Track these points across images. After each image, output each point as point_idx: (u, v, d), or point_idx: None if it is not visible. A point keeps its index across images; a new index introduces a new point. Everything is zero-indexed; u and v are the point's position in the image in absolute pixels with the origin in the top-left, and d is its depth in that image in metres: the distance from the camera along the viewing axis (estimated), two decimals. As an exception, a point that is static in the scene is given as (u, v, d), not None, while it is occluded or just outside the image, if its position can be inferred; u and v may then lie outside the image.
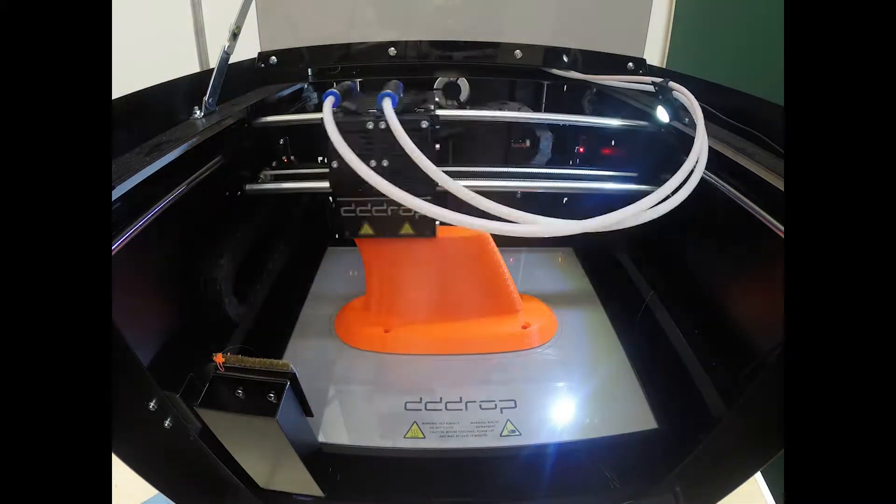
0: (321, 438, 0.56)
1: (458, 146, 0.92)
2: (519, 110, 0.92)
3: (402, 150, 0.52)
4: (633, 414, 0.60)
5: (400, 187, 0.48)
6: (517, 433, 0.57)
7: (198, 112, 0.61)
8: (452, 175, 0.49)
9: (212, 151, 0.59)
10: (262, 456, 0.49)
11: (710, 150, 0.55)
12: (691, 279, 0.68)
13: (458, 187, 0.48)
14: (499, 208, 0.45)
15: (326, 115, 0.53)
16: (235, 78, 0.70)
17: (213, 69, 0.63)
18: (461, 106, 0.91)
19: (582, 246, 0.96)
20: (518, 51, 0.74)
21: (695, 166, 0.52)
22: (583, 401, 0.62)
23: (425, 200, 0.47)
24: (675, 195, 0.49)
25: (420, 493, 0.56)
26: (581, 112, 0.94)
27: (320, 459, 0.54)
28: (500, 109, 0.90)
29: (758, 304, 0.55)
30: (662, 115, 0.69)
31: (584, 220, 0.46)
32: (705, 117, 0.58)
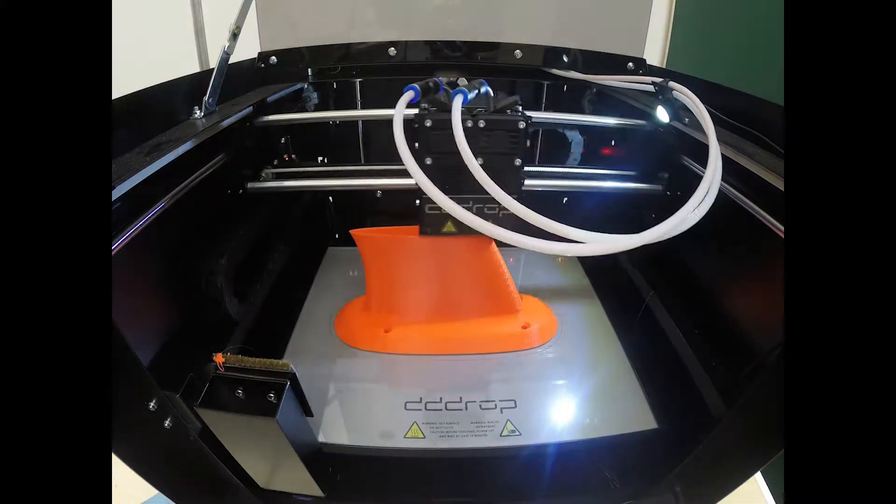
0: (321, 438, 0.56)
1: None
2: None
3: (497, 149, 0.54)
4: (633, 414, 0.60)
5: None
6: (517, 433, 0.57)
7: (198, 112, 0.61)
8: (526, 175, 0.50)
9: (212, 151, 0.59)
10: (262, 456, 0.49)
11: (708, 147, 0.55)
12: (691, 279, 0.68)
13: (515, 204, 0.48)
14: (561, 228, 0.45)
15: (398, 113, 0.54)
16: (235, 78, 0.70)
17: (213, 69, 0.63)
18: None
19: None
20: (518, 51, 0.74)
21: (715, 168, 0.52)
22: (583, 401, 0.62)
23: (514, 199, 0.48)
24: (707, 197, 0.50)
25: (420, 493, 0.56)
26: (581, 112, 0.94)
27: (320, 459, 0.54)
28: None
29: (758, 304, 0.55)
30: (662, 114, 0.69)
31: (641, 234, 0.46)
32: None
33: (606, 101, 0.88)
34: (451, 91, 0.57)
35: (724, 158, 0.54)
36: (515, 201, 0.48)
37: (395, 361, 0.68)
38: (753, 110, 0.61)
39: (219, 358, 0.43)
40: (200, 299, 0.59)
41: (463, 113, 0.55)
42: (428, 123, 0.56)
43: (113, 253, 0.39)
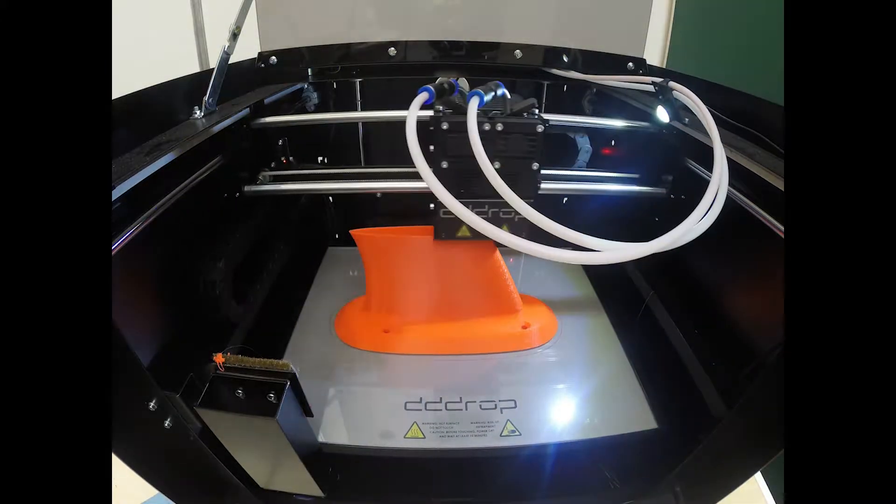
0: (321, 438, 0.56)
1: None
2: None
3: (514, 152, 0.53)
4: (633, 414, 0.60)
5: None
6: (517, 433, 0.57)
7: (198, 112, 0.61)
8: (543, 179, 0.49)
9: (211, 152, 0.59)
10: (262, 456, 0.49)
11: (712, 151, 0.55)
12: (691, 279, 0.68)
13: (529, 210, 0.48)
14: (574, 235, 0.45)
15: (411, 115, 0.53)
16: (235, 78, 0.70)
17: (213, 69, 0.63)
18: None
19: None
20: (518, 51, 0.74)
21: (721, 173, 0.52)
22: (583, 401, 0.62)
23: (529, 205, 0.48)
24: (714, 205, 0.50)
25: (420, 493, 0.56)
26: (581, 112, 0.94)
27: (320, 459, 0.54)
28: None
29: (758, 304, 0.55)
30: (662, 115, 0.69)
31: (651, 242, 0.46)
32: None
33: (606, 101, 0.88)
34: (466, 93, 0.57)
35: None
36: (531, 208, 0.48)
37: (395, 361, 0.68)
38: (753, 110, 0.61)
39: (219, 358, 0.43)
40: (200, 299, 0.59)
41: (479, 115, 0.54)
42: (445, 126, 0.55)
43: (113, 253, 0.39)
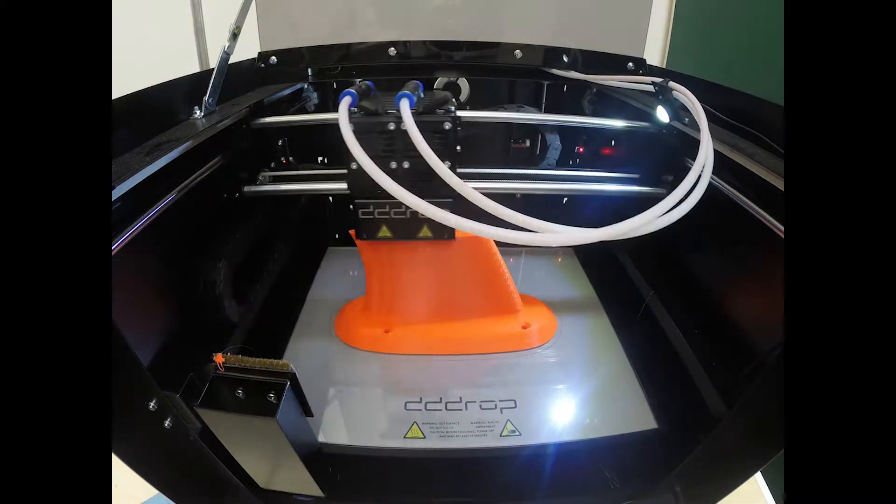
0: (321, 438, 0.56)
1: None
2: (518, 110, 0.92)
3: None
4: (633, 414, 0.60)
5: (420, 190, 0.47)
6: (517, 433, 0.57)
7: (198, 112, 0.61)
8: (461, 178, 0.48)
9: (211, 152, 0.59)
10: (262, 456, 0.49)
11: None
12: (691, 279, 0.68)
13: (475, 194, 0.47)
14: (515, 216, 0.45)
15: (342, 115, 0.53)
16: (235, 78, 0.70)
17: (213, 69, 0.63)
18: (461, 106, 0.91)
19: (581, 246, 0.96)
20: (518, 51, 0.74)
21: (702, 171, 0.52)
22: (583, 401, 0.62)
23: (445, 204, 0.47)
24: (686, 201, 0.49)
25: (420, 493, 0.56)
26: (581, 112, 0.94)
27: (320, 459, 0.54)
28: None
29: (758, 304, 0.55)
30: (662, 115, 0.69)
31: (600, 229, 0.45)
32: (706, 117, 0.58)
33: (606, 101, 0.88)
34: (380, 95, 0.58)
35: (725, 158, 0.54)
36: (469, 187, 0.46)
37: (395, 361, 0.68)
38: (753, 110, 0.61)
39: (219, 358, 0.43)
40: (200, 299, 0.59)
41: (386, 116, 0.55)
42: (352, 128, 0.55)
43: (113, 253, 0.39)
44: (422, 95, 0.59)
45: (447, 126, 0.56)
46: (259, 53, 0.72)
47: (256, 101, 0.70)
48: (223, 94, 0.64)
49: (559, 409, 0.61)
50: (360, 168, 0.50)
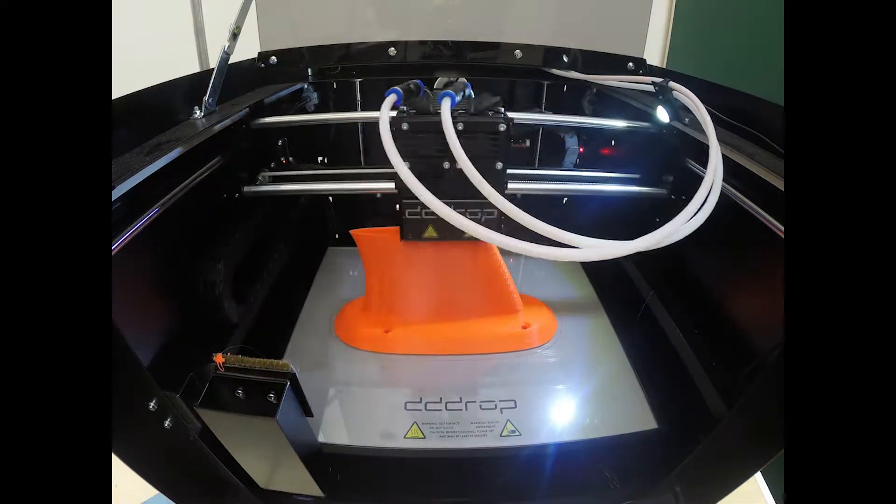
0: (321, 438, 0.56)
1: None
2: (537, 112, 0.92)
3: (477, 152, 0.52)
4: (633, 414, 0.60)
5: (473, 192, 0.48)
6: (517, 433, 0.57)
7: (198, 112, 0.61)
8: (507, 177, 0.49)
9: (211, 152, 0.59)
10: (262, 456, 0.49)
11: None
12: (691, 279, 0.68)
13: (508, 206, 0.47)
14: (554, 231, 0.45)
15: (383, 115, 0.52)
16: (235, 78, 0.70)
17: (213, 69, 0.63)
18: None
19: None
20: (518, 51, 0.74)
21: (715, 173, 0.52)
22: (583, 401, 0.62)
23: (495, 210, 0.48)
24: (706, 203, 0.49)
25: (420, 493, 0.56)
26: (581, 112, 0.94)
27: (320, 459, 0.54)
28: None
29: (758, 305, 0.55)
30: (663, 115, 0.69)
31: (639, 240, 0.46)
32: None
33: (606, 101, 0.88)
34: (431, 94, 0.57)
35: (725, 158, 0.54)
36: (509, 203, 0.47)
37: (395, 361, 0.68)
38: (753, 110, 0.61)
39: (219, 358, 0.43)
40: (200, 299, 0.59)
41: (439, 114, 0.54)
42: (405, 127, 0.55)
43: (113, 253, 0.39)
44: (473, 96, 0.59)
45: (502, 128, 0.56)
46: (259, 53, 0.72)
47: (256, 101, 0.70)
48: (223, 94, 0.64)
49: (559, 409, 0.61)
50: (413, 168, 0.50)
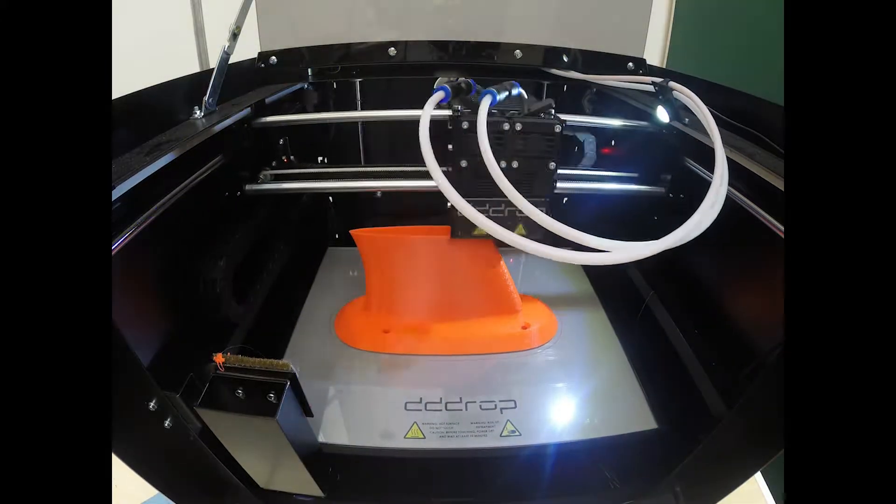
0: (321, 438, 0.56)
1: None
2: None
3: (532, 152, 0.54)
4: (633, 414, 0.60)
5: (525, 191, 0.49)
6: (517, 433, 0.57)
7: (198, 112, 0.61)
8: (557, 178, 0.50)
9: (212, 151, 0.59)
10: (262, 456, 0.49)
11: (711, 150, 0.55)
12: (691, 279, 0.68)
13: (538, 213, 0.48)
14: (585, 237, 0.46)
15: (425, 113, 0.53)
16: (235, 78, 0.70)
17: (213, 69, 0.63)
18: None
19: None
20: (518, 51, 0.74)
21: (723, 171, 0.52)
22: (583, 401, 0.62)
23: (541, 204, 0.49)
24: (717, 199, 0.50)
25: (420, 493, 0.56)
26: (581, 112, 0.94)
27: (320, 459, 0.54)
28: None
29: (758, 305, 0.55)
30: (662, 115, 0.69)
31: (662, 240, 0.47)
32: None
33: (606, 101, 0.88)
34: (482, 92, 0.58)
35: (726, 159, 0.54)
36: (537, 209, 0.48)
37: (395, 362, 0.68)
38: (753, 110, 0.61)
39: (219, 358, 0.43)
40: (200, 299, 0.59)
41: (497, 115, 0.55)
42: (465, 126, 0.55)
43: (113, 253, 0.39)
44: (525, 97, 0.60)
45: (557, 129, 0.57)
46: (259, 53, 0.72)
47: (258, 101, 0.70)
48: (223, 94, 0.64)
49: (559, 409, 0.61)
50: (469, 167, 0.50)
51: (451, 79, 0.67)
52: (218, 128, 0.59)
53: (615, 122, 0.75)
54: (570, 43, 0.75)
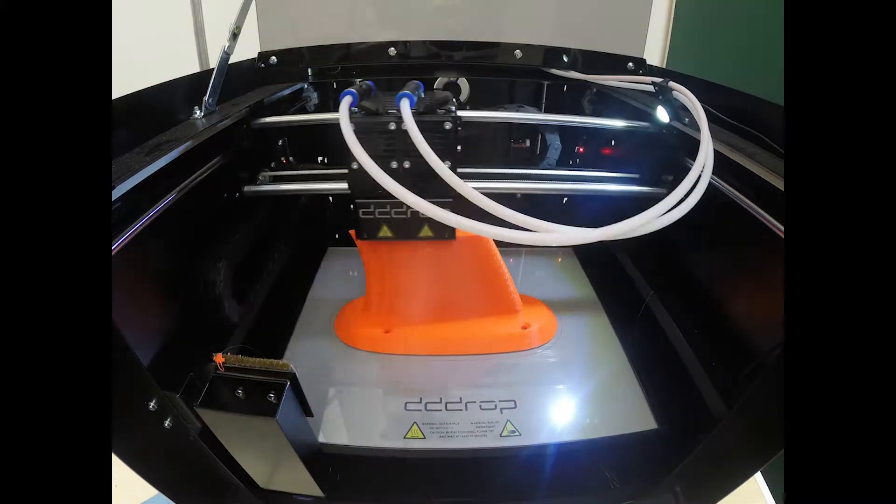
0: (321, 438, 0.56)
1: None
2: (518, 110, 0.92)
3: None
4: (633, 414, 0.60)
5: (421, 190, 0.47)
6: (517, 433, 0.57)
7: (198, 112, 0.61)
8: (461, 178, 0.48)
9: (211, 152, 0.59)
10: (262, 456, 0.49)
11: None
12: (691, 279, 0.68)
13: (475, 193, 0.47)
14: (515, 215, 0.45)
15: (343, 114, 0.53)
16: (235, 78, 0.70)
17: (213, 69, 0.63)
18: (461, 106, 0.92)
19: (581, 246, 0.96)
20: (518, 51, 0.74)
21: (701, 171, 0.52)
22: (583, 401, 0.62)
23: (445, 203, 0.47)
24: (686, 201, 0.49)
25: (420, 493, 0.56)
26: (581, 112, 0.94)
27: (320, 459, 0.54)
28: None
29: (758, 304, 0.55)
30: (662, 115, 0.69)
31: (599, 229, 0.46)
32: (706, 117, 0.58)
33: (606, 101, 0.88)
34: (381, 94, 0.58)
35: (725, 158, 0.54)
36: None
37: (395, 362, 0.68)
38: (753, 110, 0.61)
39: (219, 358, 0.43)
40: (200, 299, 0.59)
41: (386, 116, 0.55)
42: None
43: (113, 253, 0.39)
44: (422, 95, 0.59)
45: (447, 126, 0.56)
46: (259, 53, 0.72)
47: (257, 101, 0.70)
48: (223, 94, 0.64)
49: (559, 409, 0.61)
50: (360, 168, 0.50)
51: (452, 78, 0.67)
52: (217, 128, 0.58)
53: (615, 123, 0.75)
54: (570, 43, 0.75)
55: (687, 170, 0.64)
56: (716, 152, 0.55)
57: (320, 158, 0.96)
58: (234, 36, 0.63)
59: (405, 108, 0.52)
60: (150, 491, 0.41)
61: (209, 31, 1.63)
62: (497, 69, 0.80)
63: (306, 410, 0.48)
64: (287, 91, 0.83)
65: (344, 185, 0.62)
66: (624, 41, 0.76)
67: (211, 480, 0.49)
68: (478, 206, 0.47)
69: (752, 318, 0.55)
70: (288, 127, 0.79)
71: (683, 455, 0.50)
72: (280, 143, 0.79)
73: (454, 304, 0.71)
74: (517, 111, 0.91)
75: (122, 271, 0.42)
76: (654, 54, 1.65)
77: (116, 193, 0.39)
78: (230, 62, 0.63)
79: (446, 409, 0.60)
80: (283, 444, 0.44)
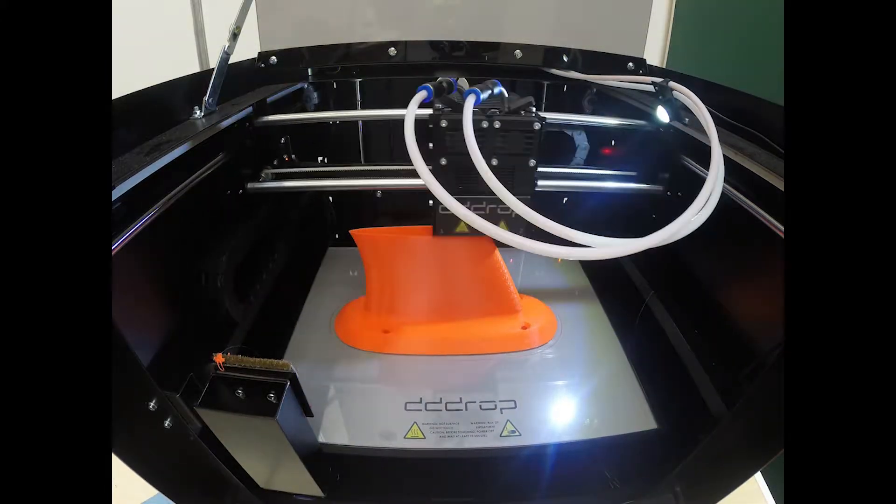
0: (321, 438, 0.56)
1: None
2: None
3: (511, 150, 0.54)
4: (633, 414, 0.60)
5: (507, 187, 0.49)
6: (517, 433, 0.57)
7: (198, 112, 0.61)
8: (543, 177, 0.50)
9: (212, 151, 0.59)
10: (262, 456, 0.49)
11: (708, 148, 0.55)
12: (691, 279, 0.68)
13: (524, 209, 0.48)
14: (565, 231, 0.46)
15: (409, 113, 0.54)
16: (235, 78, 0.70)
17: (213, 69, 0.63)
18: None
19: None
20: (518, 51, 0.74)
21: (718, 171, 0.52)
22: (583, 401, 0.62)
23: (524, 202, 0.49)
24: (710, 200, 0.50)
25: (420, 493, 0.56)
26: (581, 112, 0.94)
27: (320, 459, 0.54)
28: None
29: (758, 304, 0.55)
30: (662, 114, 0.69)
31: (647, 238, 0.47)
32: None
33: (606, 101, 0.88)
34: (464, 91, 0.58)
35: (725, 158, 0.54)
36: (524, 205, 0.48)
37: (395, 362, 0.68)
38: (753, 110, 0.61)
39: (219, 358, 0.43)
40: (200, 299, 0.59)
41: (477, 113, 0.55)
42: (444, 124, 0.56)
43: (113, 253, 0.39)
44: (506, 95, 0.60)
45: (536, 126, 0.57)
46: (259, 53, 0.72)
47: (259, 100, 0.71)
48: (223, 94, 0.64)
49: (559, 409, 0.61)
50: (449, 164, 0.50)
51: (452, 78, 0.67)
52: (218, 127, 0.59)
53: (615, 122, 0.75)
54: (571, 43, 0.75)
55: (685, 168, 0.64)
56: None
57: (321, 157, 0.96)
58: (234, 36, 0.63)
59: (468, 103, 0.53)
60: (150, 491, 0.41)
61: (209, 31, 1.63)
62: (497, 69, 0.80)
63: (306, 410, 0.48)
64: (288, 90, 0.83)
65: (346, 182, 0.62)
66: (624, 41, 0.76)
67: (211, 480, 0.49)
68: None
69: (752, 319, 0.55)
70: (290, 125, 0.79)
71: (683, 455, 0.50)
72: (282, 141, 0.79)
73: (454, 304, 0.71)
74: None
75: (122, 271, 0.42)
76: (654, 54, 1.65)
77: (116, 193, 0.39)
78: (230, 62, 0.63)
79: (446, 409, 0.60)
80: (283, 444, 0.44)
